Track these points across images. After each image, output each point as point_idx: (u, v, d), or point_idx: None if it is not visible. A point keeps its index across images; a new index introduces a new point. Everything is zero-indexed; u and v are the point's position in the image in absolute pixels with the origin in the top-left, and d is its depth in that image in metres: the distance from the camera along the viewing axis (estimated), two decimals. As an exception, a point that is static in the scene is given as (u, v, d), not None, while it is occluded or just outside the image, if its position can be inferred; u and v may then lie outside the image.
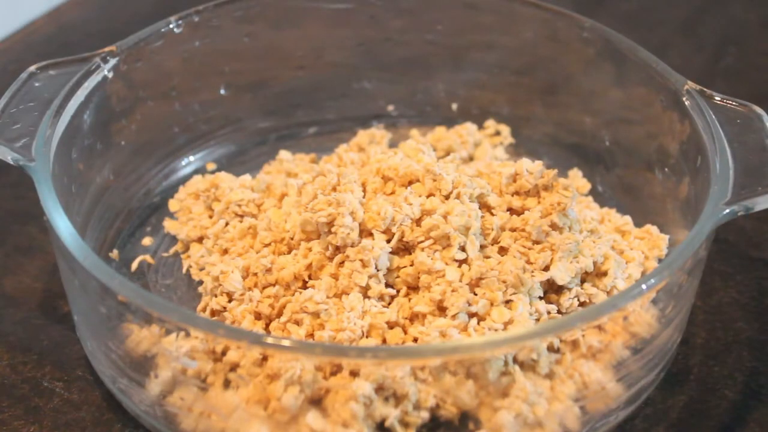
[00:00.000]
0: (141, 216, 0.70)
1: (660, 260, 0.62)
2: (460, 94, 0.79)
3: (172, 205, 0.70)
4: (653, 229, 0.64)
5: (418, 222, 0.59)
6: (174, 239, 0.68)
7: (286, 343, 0.49)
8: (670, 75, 0.63)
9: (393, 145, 0.75)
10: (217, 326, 0.51)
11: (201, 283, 0.63)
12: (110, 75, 0.65)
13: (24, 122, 0.59)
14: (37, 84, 0.61)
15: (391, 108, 0.80)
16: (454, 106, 0.79)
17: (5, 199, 0.73)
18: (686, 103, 0.61)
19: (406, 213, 0.58)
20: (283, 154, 0.73)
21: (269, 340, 0.50)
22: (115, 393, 0.57)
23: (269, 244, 0.62)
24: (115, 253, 0.67)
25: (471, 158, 0.75)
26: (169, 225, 0.68)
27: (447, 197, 0.60)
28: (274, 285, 0.59)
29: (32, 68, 0.62)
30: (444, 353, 0.49)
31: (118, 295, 0.50)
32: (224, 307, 0.60)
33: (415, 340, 0.56)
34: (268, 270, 0.59)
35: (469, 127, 0.76)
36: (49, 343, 0.62)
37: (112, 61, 0.65)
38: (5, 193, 0.74)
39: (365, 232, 0.59)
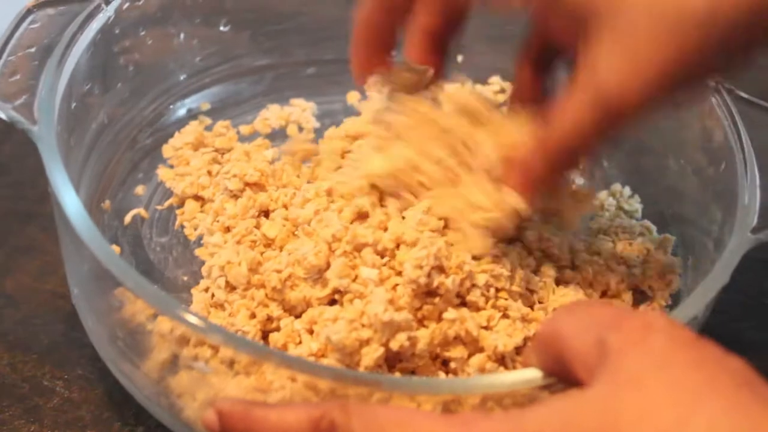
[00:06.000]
0: (133, 159, 0.67)
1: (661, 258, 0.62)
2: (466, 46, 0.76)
3: (166, 151, 0.67)
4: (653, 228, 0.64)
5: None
6: (168, 190, 0.65)
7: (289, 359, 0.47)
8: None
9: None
10: (217, 329, 0.48)
11: (197, 242, 0.61)
12: (113, 15, 0.61)
13: (23, 73, 0.55)
14: (33, 26, 0.58)
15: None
16: (460, 58, 0.76)
17: (5, 199, 0.70)
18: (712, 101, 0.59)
19: None
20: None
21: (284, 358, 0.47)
22: (118, 378, 0.55)
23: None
24: (107, 204, 0.64)
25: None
26: (162, 174, 0.65)
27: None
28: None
29: (29, 4, 0.58)
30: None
31: (123, 285, 0.47)
32: (225, 300, 0.56)
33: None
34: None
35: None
36: (49, 342, 0.61)
37: (116, 2, 0.61)
38: (5, 193, 0.70)
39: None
